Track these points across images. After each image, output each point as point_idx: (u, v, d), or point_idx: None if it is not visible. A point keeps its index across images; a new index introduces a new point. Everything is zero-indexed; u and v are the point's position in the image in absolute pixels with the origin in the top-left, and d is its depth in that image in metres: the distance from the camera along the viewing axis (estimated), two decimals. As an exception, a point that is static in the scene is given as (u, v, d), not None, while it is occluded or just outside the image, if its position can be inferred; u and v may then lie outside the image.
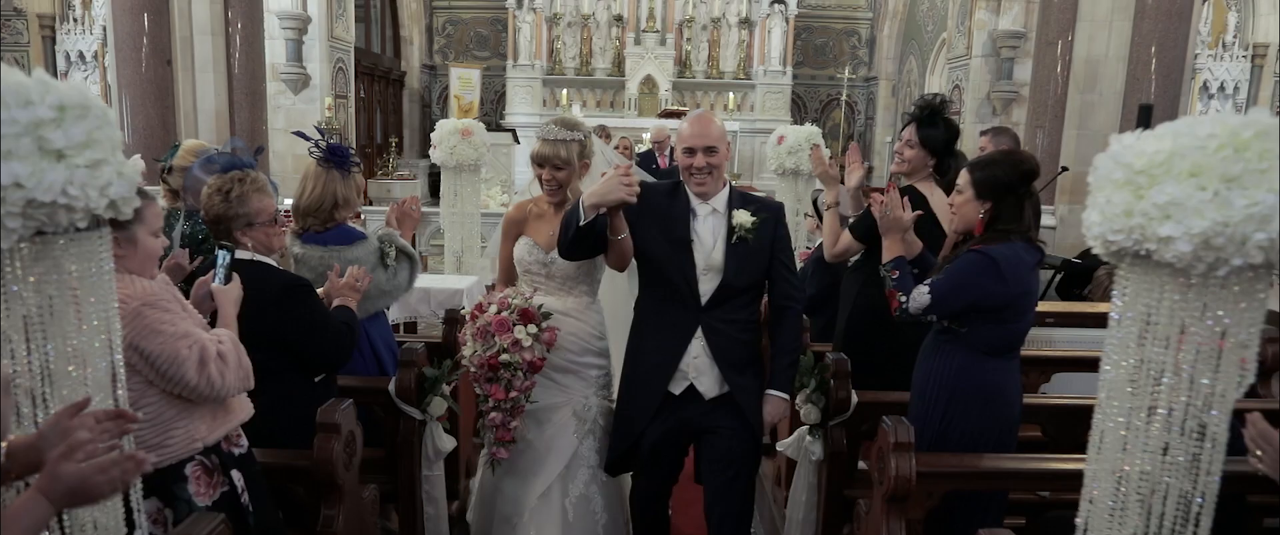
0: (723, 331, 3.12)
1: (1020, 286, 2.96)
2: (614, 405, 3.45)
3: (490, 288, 4.31)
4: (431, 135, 6.07)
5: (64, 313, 1.63)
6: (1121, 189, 1.57)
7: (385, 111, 16.37)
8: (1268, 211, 1.44)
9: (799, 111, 18.23)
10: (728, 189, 3.19)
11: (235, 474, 2.56)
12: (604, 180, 2.92)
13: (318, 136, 3.64)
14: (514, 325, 3.11)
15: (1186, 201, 1.48)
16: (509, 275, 3.54)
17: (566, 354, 3.35)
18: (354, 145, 12.91)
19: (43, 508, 1.49)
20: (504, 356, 3.10)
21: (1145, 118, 6.22)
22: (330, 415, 2.76)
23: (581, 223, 2.96)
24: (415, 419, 3.47)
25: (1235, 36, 13.24)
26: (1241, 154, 1.46)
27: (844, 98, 17.74)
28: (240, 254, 2.87)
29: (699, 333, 3.12)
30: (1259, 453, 1.87)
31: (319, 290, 3.18)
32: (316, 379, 3.12)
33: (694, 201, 3.15)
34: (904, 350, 3.41)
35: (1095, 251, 1.71)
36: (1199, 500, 1.70)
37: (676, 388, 3.16)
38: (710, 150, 3.09)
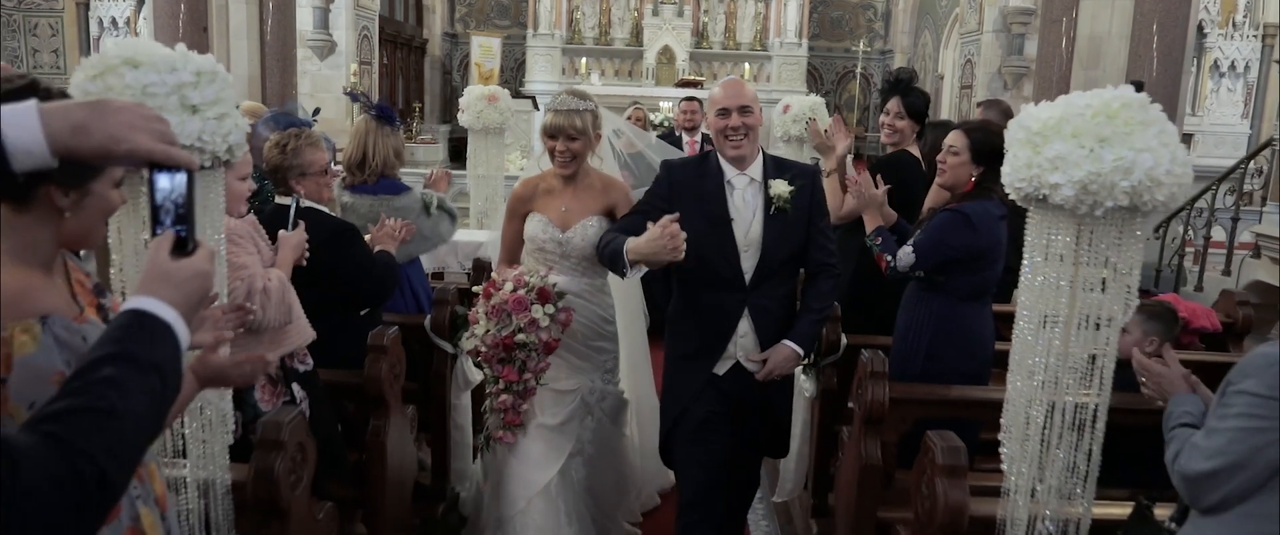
0: (769, 309, 3.07)
1: (990, 237, 3.37)
2: (620, 390, 3.51)
3: (479, 272, 4.38)
4: (460, 100, 6.49)
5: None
6: (1024, 147, 1.99)
7: (407, 78, 16.79)
8: (1130, 164, 1.86)
9: (815, 83, 18.52)
10: (762, 156, 3.09)
11: (295, 387, 3.01)
12: (651, 239, 2.73)
13: (364, 100, 4.09)
14: (531, 304, 3.00)
15: (1069, 156, 1.90)
16: (513, 255, 3.44)
17: (579, 337, 3.29)
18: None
19: (192, 384, 1.93)
20: (520, 337, 2.99)
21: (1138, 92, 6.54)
22: (380, 338, 3.22)
23: (625, 276, 2.88)
24: (448, 352, 3.91)
25: (1245, 16, 13.48)
26: (1112, 120, 1.88)
27: (859, 70, 18.03)
28: (284, 200, 3.31)
29: (746, 314, 3.05)
30: (1143, 379, 2.28)
31: (366, 237, 3.62)
32: (362, 313, 3.56)
33: (729, 172, 3.04)
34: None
35: (1010, 197, 2.13)
36: (1096, 399, 2.13)
37: (722, 368, 3.10)
38: (744, 110, 2.99)
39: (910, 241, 3.47)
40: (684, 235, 2.71)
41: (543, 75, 16.55)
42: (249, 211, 3.67)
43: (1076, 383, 2.11)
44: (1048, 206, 2.02)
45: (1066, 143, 1.91)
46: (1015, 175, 2.03)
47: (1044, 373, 2.14)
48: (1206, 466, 1.85)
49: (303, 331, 3.03)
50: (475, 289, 3.14)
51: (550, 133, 3.21)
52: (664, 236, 2.69)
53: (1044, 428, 2.12)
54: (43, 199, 1.48)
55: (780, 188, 2.99)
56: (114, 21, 12.69)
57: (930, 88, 15.66)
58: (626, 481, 3.69)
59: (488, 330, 3.04)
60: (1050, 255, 2.04)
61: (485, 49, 16.48)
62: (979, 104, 5.83)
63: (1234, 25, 13.47)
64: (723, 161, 3.05)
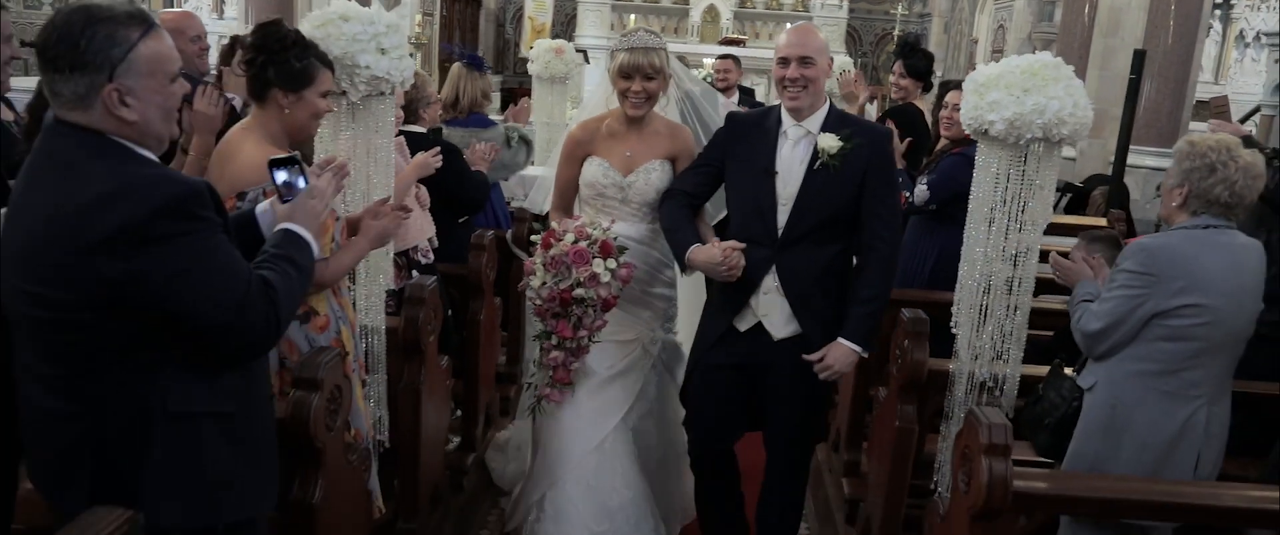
0: (800, 272, 2.90)
1: None
2: (676, 339, 3.42)
3: (533, 219, 4.49)
4: (528, 52, 7.28)
5: (371, 141, 2.91)
6: (973, 94, 2.78)
7: (464, 30, 17.56)
8: (1043, 107, 2.64)
9: (854, 44, 19.05)
10: (826, 109, 2.93)
11: (414, 272, 3.86)
12: (711, 259, 2.83)
13: (458, 50, 4.92)
14: (592, 258, 2.87)
15: (1001, 101, 2.68)
16: (567, 201, 3.33)
17: (638, 284, 3.14)
18: (434, 60, 14.18)
19: (364, 245, 2.75)
20: (578, 292, 2.87)
21: (1139, 62, 7.21)
22: (481, 238, 4.06)
23: (683, 272, 3.05)
24: (524, 260, 4.75)
25: (1274, -12, 13.87)
26: (1032, 77, 2.66)
27: (897, 32, 18.53)
28: (414, 127, 4.14)
29: (773, 271, 2.91)
30: (1057, 273, 3.07)
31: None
32: (461, 220, 4.40)
33: (786, 123, 2.91)
34: None
35: (967, 131, 2.92)
36: (1018, 292, 2.92)
37: (743, 324, 2.98)
38: (805, 61, 2.83)
39: (923, 181, 4.25)
40: (742, 262, 2.83)
41: (592, 30, 17.24)
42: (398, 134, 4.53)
43: (1007, 267, 2.90)
44: (989, 138, 2.80)
45: (1001, 92, 2.69)
46: (967, 114, 2.82)
47: (985, 261, 2.93)
48: (1098, 325, 2.65)
49: (423, 227, 3.87)
50: (534, 237, 3.02)
51: (625, 72, 3.06)
52: (722, 260, 2.81)
53: (983, 301, 2.92)
54: (272, 99, 2.48)
55: (828, 141, 2.83)
56: (193, -28, 13.52)
57: (964, 51, 16.20)
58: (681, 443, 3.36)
59: (544, 282, 2.92)
60: (992, 174, 2.83)
61: (538, 3, 17.18)
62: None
63: (1262, -3, 13.86)
64: (784, 112, 2.93)
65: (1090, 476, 2.56)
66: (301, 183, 2.13)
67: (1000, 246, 2.90)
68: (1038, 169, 2.78)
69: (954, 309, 3.06)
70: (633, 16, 17.46)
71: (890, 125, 4.41)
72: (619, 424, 3.21)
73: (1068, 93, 2.66)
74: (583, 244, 2.89)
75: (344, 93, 2.77)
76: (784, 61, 2.87)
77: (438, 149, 3.83)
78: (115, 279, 1.62)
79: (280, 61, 2.49)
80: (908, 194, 4.22)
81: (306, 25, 2.75)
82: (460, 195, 4.26)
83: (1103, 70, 10.31)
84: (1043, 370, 3.02)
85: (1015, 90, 2.66)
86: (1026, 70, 2.67)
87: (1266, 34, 13.16)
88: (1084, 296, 2.82)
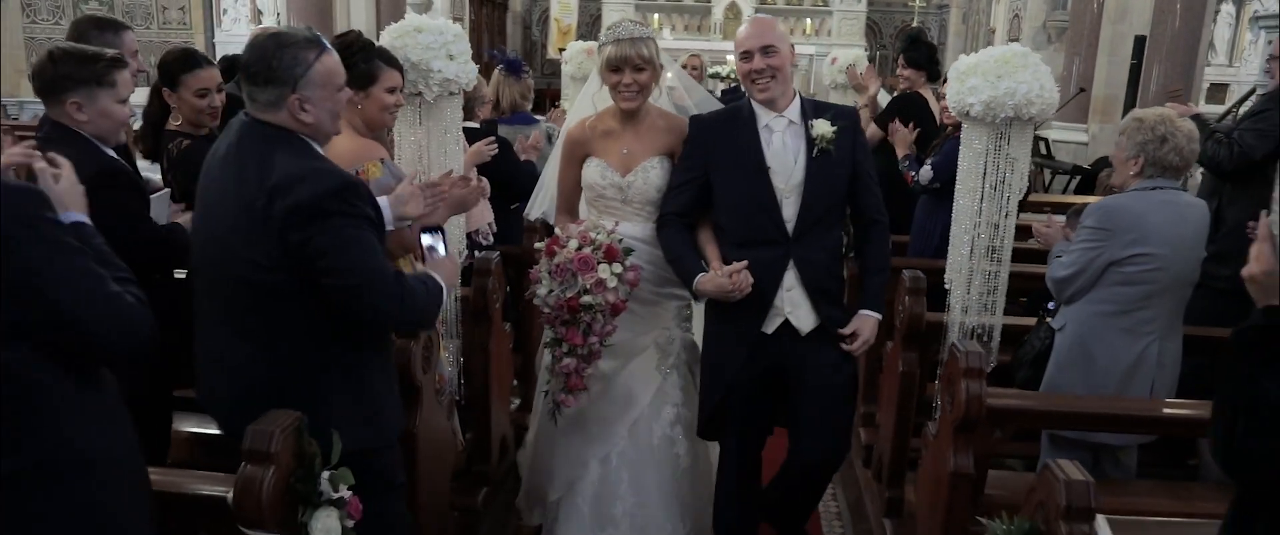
0: (815, 261, 2.91)
1: None
2: (693, 338, 3.30)
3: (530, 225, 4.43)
4: (557, 53, 7.79)
5: (442, 134, 3.42)
6: (956, 81, 3.24)
7: (491, 33, 18.13)
8: (1013, 91, 3.10)
9: (874, 36, 19.45)
10: (798, 98, 2.96)
11: (477, 253, 4.37)
12: (718, 284, 2.84)
13: (499, 56, 5.45)
14: (598, 264, 2.84)
15: (979, 86, 3.15)
16: (570, 204, 3.29)
17: (647, 286, 3.06)
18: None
19: (445, 212, 3.20)
20: (585, 298, 2.83)
21: (1140, 47, 7.60)
22: (534, 222, 4.56)
23: (695, 300, 3.08)
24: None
25: (1288, -29, 14.11)
26: (1005, 65, 3.13)
27: (916, 24, 18.89)
28: (470, 123, 4.65)
29: (791, 266, 2.89)
30: (1036, 236, 3.53)
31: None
32: (512, 206, 4.91)
33: (764, 115, 2.91)
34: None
35: (952, 112, 3.38)
36: (1000, 251, 3.38)
37: (769, 327, 2.94)
38: (768, 50, 2.83)
39: (928, 162, 4.71)
40: (750, 280, 2.81)
41: (617, 30, 17.74)
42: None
43: (989, 230, 3.37)
44: (971, 118, 3.26)
45: (978, 78, 3.16)
46: (951, 98, 3.29)
47: (972, 230, 3.40)
48: (1065, 273, 3.11)
49: (484, 213, 4.38)
50: (539, 245, 2.99)
51: (614, 65, 2.98)
52: (728, 283, 2.81)
53: (970, 259, 3.39)
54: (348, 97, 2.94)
55: (823, 127, 2.86)
56: (232, -19, 14.12)
57: (982, 40, 16.52)
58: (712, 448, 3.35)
59: (551, 291, 2.88)
60: (975, 149, 3.30)
61: (564, 6, 17.76)
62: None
63: (1276, -21, 14.10)
64: (756, 106, 2.92)
65: (1047, 394, 3.05)
66: (440, 248, 2.63)
67: (984, 211, 3.36)
68: (1013, 144, 3.24)
69: (946, 268, 3.52)
70: (656, 16, 17.95)
71: (897, 123, 4.89)
72: (632, 430, 3.16)
73: (1035, 77, 3.13)
74: (587, 250, 2.85)
75: (419, 93, 3.28)
76: (747, 55, 2.87)
77: (492, 138, 4.33)
78: (296, 244, 2.10)
79: (349, 65, 3.01)
80: (913, 174, 4.68)
81: (386, 36, 3.26)
82: (513, 183, 4.76)
83: (1111, 56, 10.66)
84: (1026, 321, 3.48)
85: (990, 77, 3.13)
86: (999, 59, 3.14)
87: (1262, 16, 13.43)
88: (1056, 254, 3.28)
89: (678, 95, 3.56)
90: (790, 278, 2.90)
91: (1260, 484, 1.50)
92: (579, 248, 2.85)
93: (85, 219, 1.80)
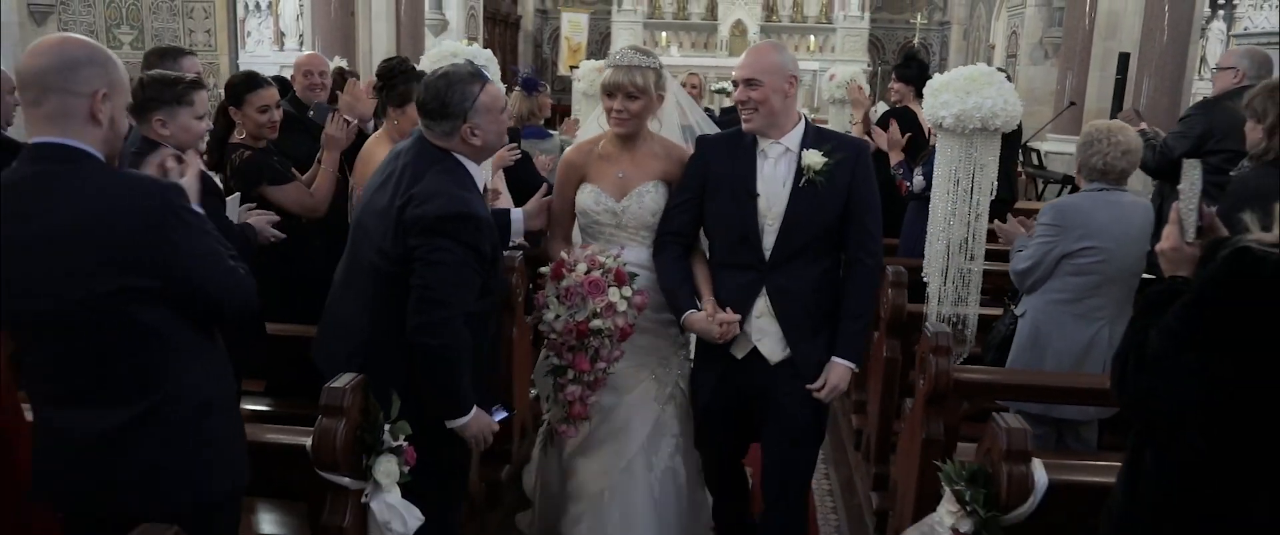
0: (791, 291, 2.87)
1: None
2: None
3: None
4: (569, 71, 8.24)
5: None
6: (930, 97, 3.66)
7: (504, 51, 18.62)
8: (979, 105, 3.52)
9: (877, 53, 19.90)
10: (802, 125, 2.91)
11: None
12: (705, 326, 2.86)
13: (517, 74, 5.89)
14: (608, 287, 2.81)
15: (950, 101, 3.56)
16: (565, 228, 3.23)
17: (646, 313, 2.97)
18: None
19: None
20: (595, 323, 2.80)
21: (1124, 64, 8.01)
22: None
23: (680, 322, 2.98)
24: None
25: (1278, -13, 14.49)
26: (972, 82, 3.55)
27: (917, 41, 19.35)
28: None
29: (764, 293, 2.87)
30: (998, 234, 3.93)
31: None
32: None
33: (763, 141, 2.89)
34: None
35: (928, 124, 3.79)
36: (971, 246, 3.79)
37: (739, 352, 2.93)
38: (750, 83, 2.82)
39: (919, 172, 5.12)
40: (736, 332, 2.84)
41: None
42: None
43: (962, 228, 3.77)
44: (944, 129, 3.68)
45: (950, 93, 3.58)
46: (927, 111, 3.71)
47: (948, 229, 3.80)
48: (1024, 265, 3.50)
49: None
50: (543, 269, 2.95)
51: (608, 90, 2.96)
52: (715, 332, 2.84)
53: (944, 256, 3.79)
54: (389, 114, 3.52)
55: (813, 158, 2.82)
56: (258, 4, 14.62)
57: (982, 56, 16.94)
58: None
59: (558, 315, 2.83)
60: (949, 156, 3.71)
61: (574, 24, 18.26)
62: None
63: (1268, -4, 14.49)
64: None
65: (1008, 369, 3.47)
66: None
67: (958, 211, 3.77)
68: (981, 151, 3.65)
69: (924, 263, 3.92)
70: (664, 34, 18.44)
71: (893, 124, 5.29)
72: (627, 467, 3.10)
73: (999, 93, 3.54)
74: (597, 273, 2.81)
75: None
76: (736, 84, 2.88)
77: (515, 144, 4.76)
78: (410, 247, 2.51)
79: (390, 87, 3.45)
80: (907, 182, 5.09)
81: (426, 60, 3.70)
82: (531, 190, 5.18)
83: (1102, 71, 11.05)
84: (997, 312, 3.88)
85: (960, 92, 3.55)
86: (968, 77, 3.56)
87: (1240, 36, 13.75)
88: (1017, 248, 3.68)
89: (681, 113, 3.50)
90: (762, 305, 2.88)
91: (1142, 415, 1.86)
92: (588, 271, 2.81)
93: (199, 209, 2.20)
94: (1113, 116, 7.91)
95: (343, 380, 2.45)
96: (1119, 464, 1.86)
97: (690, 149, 3.12)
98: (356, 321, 2.66)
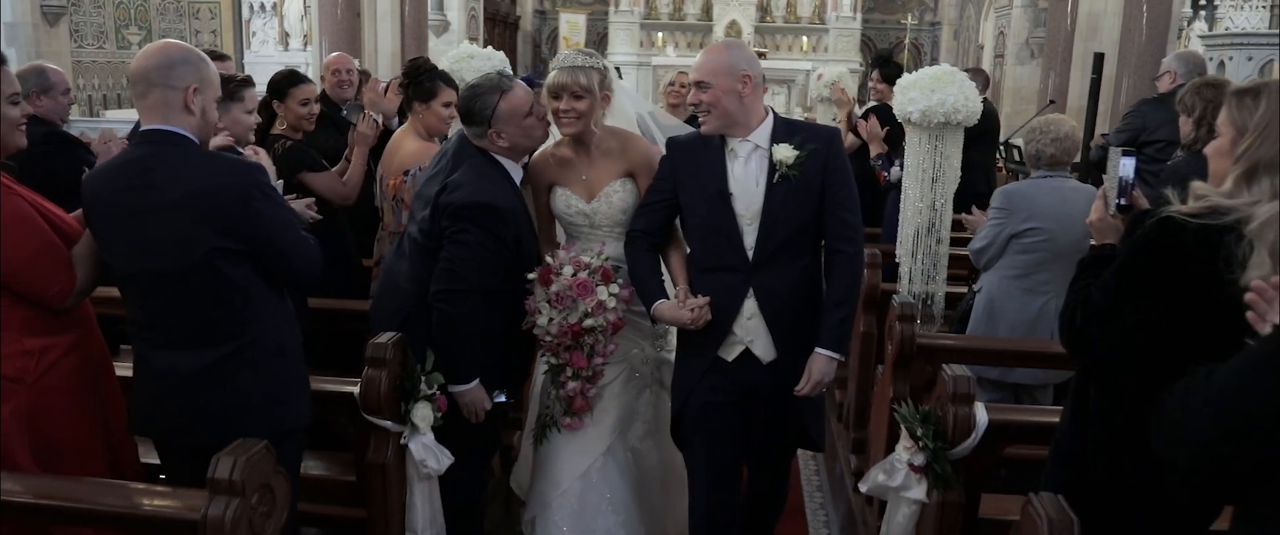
0: (777, 291, 2.88)
1: None
2: (671, 357, 3.24)
3: None
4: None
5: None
6: (899, 94, 4.08)
7: (503, 50, 19.00)
8: (943, 101, 3.93)
9: (868, 53, 20.32)
10: (770, 119, 2.90)
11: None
12: (676, 314, 2.88)
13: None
14: (596, 287, 2.91)
15: (917, 98, 3.98)
16: (547, 232, 3.26)
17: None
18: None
19: None
20: (588, 321, 2.90)
21: (1098, 63, 8.39)
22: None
23: (653, 324, 3.10)
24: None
25: (1258, -12, 14.91)
26: (937, 80, 3.96)
27: (908, 41, 19.77)
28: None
29: (751, 294, 2.87)
30: (965, 223, 4.34)
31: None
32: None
33: (731, 140, 2.88)
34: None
35: (898, 119, 4.21)
36: (938, 229, 4.20)
37: (729, 354, 2.94)
38: (700, 85, 2.82)
39: (898, 162, 5.54)
40: (708, 316, 2.84)
41: (623, 47, 18.66)
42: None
43: (928, 211, 4.19)
44: (911, 123, 4.10)
45: (917, 91, 4.00)
46: (896, 107, 4.13)
47: (917, 214, 4.22)
48: (979, 245, 3.92)
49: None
50: (531, 276, 2.98)
51: (554, 92, 2.97)
52: (686, 317, 2.84)
53: (914, 239, 4.21)
54: (414, 108, 3.81)
55: (783, 152, 2.81)
56: (263, 5, 14.96)
57: (972, 56, 17.39)
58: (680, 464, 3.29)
59: (551, 319, 2.93)
60: (917, 148, 4.13)
61: (572, 25, 18.68)
62: (966, 69, 7.78)
63: (1248, -3, 14.90)
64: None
65: (966, 335, 3.90)
66: None
67: (922, 197, 4.19)
68: (945, 143, 4.07)
69: (897, 246, 4.35)
70: (660, 35, 18.86)
71: (873, 118, 5.70)
72: (608, 449, 3.18)
73: (960, 91, 3.96)
74: (583, 275, 2.90)
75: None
76: (691, 86, 2.90)
77: None
78: (440, 227, 2.89)
79: (417, 84, 3.86)
80: (886, 173, 5.50)
81: (445, 61, 4.11)
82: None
83: (1083, 71, 11.47)
84: (963, 290, 4.30)
85: (925, 90, 3.96)
86: (933, 76, 3.98)
87: (1206, 36, 14.16)
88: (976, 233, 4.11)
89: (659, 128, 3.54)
90: (750, 306, 2.88)
91: (1087, 359, 2.20)
92: (575, 273, 2.90)
93: (278, 184, 2.61)
94: (1089, 115, 8.33)
95: (384, 337, 2.86)
96: (1052, 410, 2.19)
97: (644, 137, 3.26)
98: (404, 286, 3.06)
